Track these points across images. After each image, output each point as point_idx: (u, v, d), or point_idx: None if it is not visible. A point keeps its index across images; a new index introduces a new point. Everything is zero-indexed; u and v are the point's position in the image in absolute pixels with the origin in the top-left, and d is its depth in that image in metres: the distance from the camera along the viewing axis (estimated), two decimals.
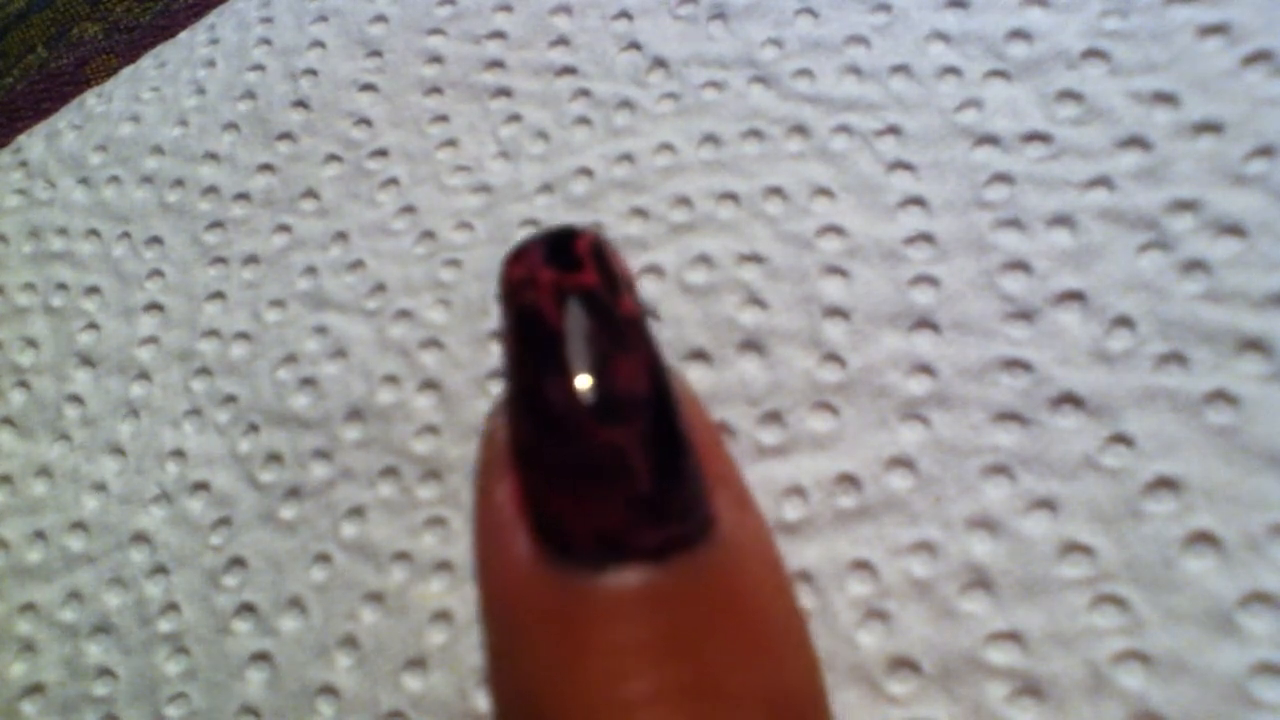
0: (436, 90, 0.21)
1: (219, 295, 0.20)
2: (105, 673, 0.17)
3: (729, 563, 0.09)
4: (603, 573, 0.09)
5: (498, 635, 0.10)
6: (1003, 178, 0.17)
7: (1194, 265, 0.15)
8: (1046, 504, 0.14)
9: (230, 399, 0.19)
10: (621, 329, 0.09)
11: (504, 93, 0.20)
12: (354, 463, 0.18)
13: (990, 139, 0.17)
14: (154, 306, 0.20)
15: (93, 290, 0.21)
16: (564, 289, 0.10)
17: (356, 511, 0.17)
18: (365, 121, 0.21)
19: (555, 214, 0.19)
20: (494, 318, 0.18)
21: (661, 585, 0.09)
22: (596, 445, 0.09)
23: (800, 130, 0.18)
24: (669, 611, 0.09)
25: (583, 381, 0.09)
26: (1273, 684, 0.13)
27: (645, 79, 0.20)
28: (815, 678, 0.10)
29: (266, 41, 0.23)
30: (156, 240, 0.21)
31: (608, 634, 0.09)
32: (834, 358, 0.16)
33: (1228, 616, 0.13)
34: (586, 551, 0.09)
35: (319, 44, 0.22)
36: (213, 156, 0.22)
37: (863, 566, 0.15)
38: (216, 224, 0.21)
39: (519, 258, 0.10)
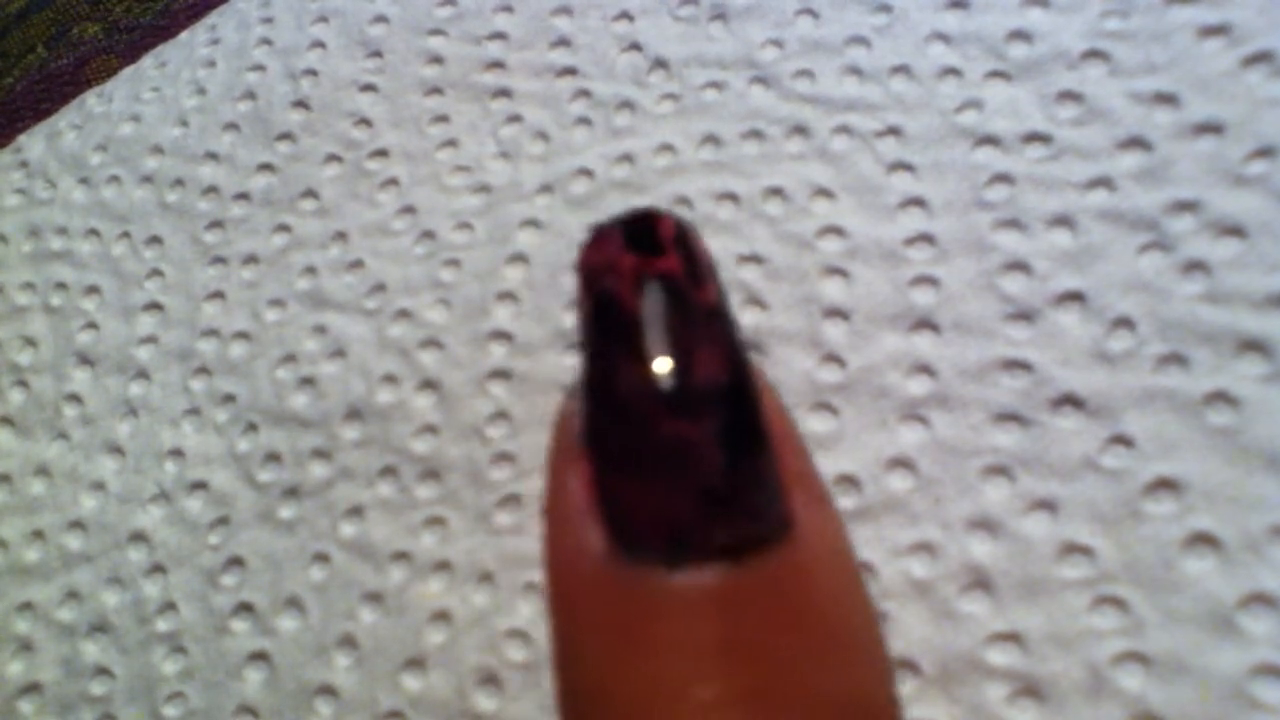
0: (437, 91, 0.21)
1: (218, 295, 0.20)
2: (103, 672, 0.17)
3: (805, 564, 0.09)
4: (675, 570, 0.08)
5: (564, 625, 0.09)
6: (1003, 178, 0.17)
7: (1194, 266, 0.15)
8: (1046, 505, 0.14)
9: (229, 398, 0.19)
10: (701, 318, 0.09)
11: (504, 93, 0.20)
12: (353, 462, 0.18)
13: (990, 139, 0.17)
14: (153, 306, 0.20)
15: (92, 290, 0.21)
16: (644, 275, 0.09)
17: (355, 511, 0.17)
18: (365, 122, 0.21)
19: (555, 214, 0.19)
20: (493, 318, 0.18)
21: (735, 586, 0.08)
22: (668, 437, 0.09)
23: (800, 131, 0.18)
24: (742, 613, 0.08)
25: (658, 370, 0.09)
26: (1273, 685, 0.13)
27: (646, 79, 0.20)
28: (888, 682, 0.09)
29: (267, 41, 0.23)
30: (156, 240, 0.21)
31: (678, 633, 0.08)
32: (834, 358, 0.16)
33: (1228, 618, 0.13)
34: (658, 547, 0.08)
35: (319, 44, 0.22)
36: (213, 156, 0.22)
37: (862, 567, 0.15)
38: (216, 224, 0.21)
39: (598, 241, 0.10)
